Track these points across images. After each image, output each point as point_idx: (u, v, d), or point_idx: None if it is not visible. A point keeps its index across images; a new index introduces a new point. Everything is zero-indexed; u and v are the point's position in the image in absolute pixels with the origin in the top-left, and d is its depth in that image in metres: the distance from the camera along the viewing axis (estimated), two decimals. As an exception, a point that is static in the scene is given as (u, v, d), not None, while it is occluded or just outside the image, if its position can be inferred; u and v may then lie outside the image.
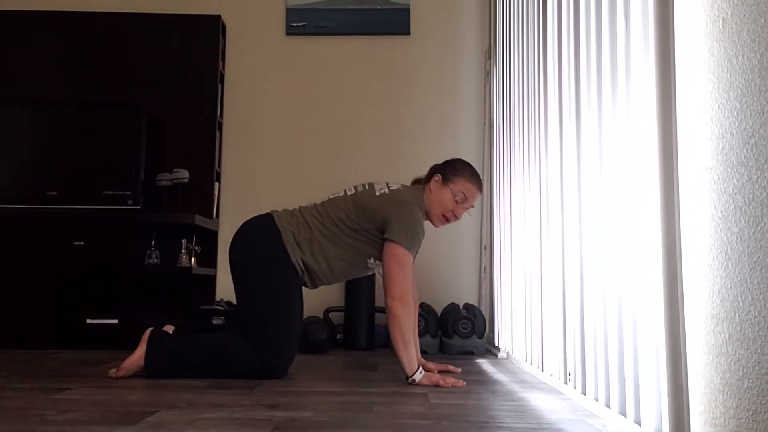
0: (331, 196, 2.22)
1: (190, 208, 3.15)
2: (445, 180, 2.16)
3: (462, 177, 2.17)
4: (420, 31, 3.52)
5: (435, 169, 2.23)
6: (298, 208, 2.22)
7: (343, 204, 2.15)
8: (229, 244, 2.22)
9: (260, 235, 2.14)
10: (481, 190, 2.22)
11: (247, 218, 2.24)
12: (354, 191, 2.19)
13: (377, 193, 2.14)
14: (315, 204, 2.21)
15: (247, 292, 2.15)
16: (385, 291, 2.02)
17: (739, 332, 1.05)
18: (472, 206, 2.23)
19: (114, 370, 2.07)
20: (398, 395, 1.80)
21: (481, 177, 2.27)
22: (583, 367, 1.73)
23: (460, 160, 2.25)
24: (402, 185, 2.21)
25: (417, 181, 2.30)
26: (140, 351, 2.06)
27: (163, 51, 3.36)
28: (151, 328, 2.13)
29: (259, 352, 2.06)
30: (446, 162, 2.25)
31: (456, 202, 2.15)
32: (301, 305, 2.28)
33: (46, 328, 2.93)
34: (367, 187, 2.19)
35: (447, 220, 2.19)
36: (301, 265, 2.12)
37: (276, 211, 2.20)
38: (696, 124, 1.20)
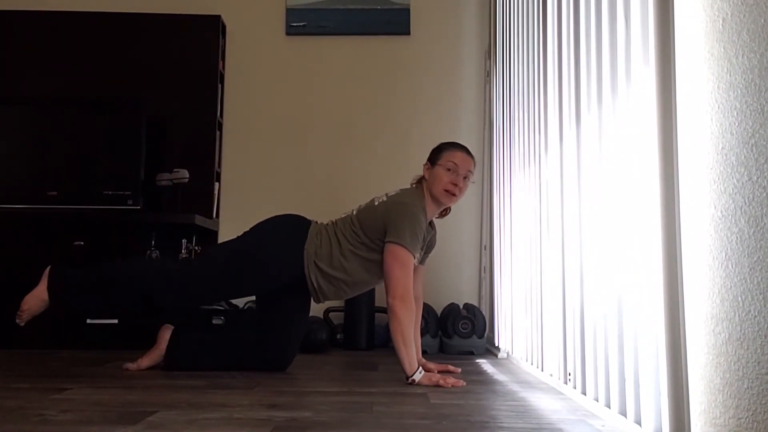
0: (343, 215, 2.27)
1: (190, 208, 3.15)
2: (432, 162, 2.23)
3: (443, 150, 2.22)
4: (420, 31, 3.52)
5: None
6: (325, 224, 2.25)
7: (351, 221, 2.21)
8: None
9: (290, 231, 2.21)
10: (468, 153, 2.23)
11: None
12: (358, 210, 2.25)
13: (376, 203, 2.20)
14: (333, 222, 2.26)
15: (229, 245, 2.23)
16: (387, 290, 2.03)
17: (739, 332, 1.05)
18: (470, 172, 2.21)
19: (18, 318, 2.07)
20: (398, 395, 1.80)
21: (464, 145, 2.28)
22: (583, 367, 1.73)
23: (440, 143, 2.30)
24: (401, 189, 2.24)
25: (419, 180, 2.29)
26: (42, 285, 2.08)
27: (163, 51, 3.36)
28: (50, 265, 2.14)
29: (166, 282, 2.12)
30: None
31: (448, 171, 2.17)
32: (306, 307, 2.30)
33: (46, 328, 2.92)
34: (369, 202, 2.25)
35: (452, 194, 2.18)
36: (316, 279, 2.15)
37: (316, 222, 2.26)
38: (696, 123, 1.20)
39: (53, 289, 2.06)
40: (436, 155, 2.23)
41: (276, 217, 2.27)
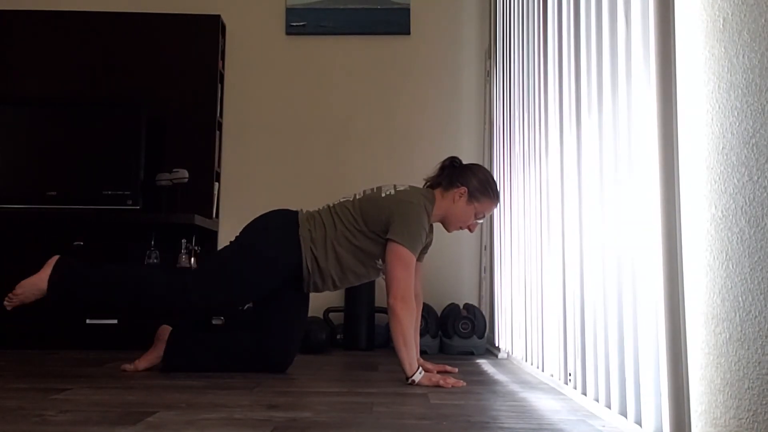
0: (342, 199, 2.25)
1: (190, 208, 3.15)
2: (472, 197, 2.18)
3: (489, 199, 2.20)
4: (420, 31, 3.52)
5: (456, 177, 2.20)
6: (317, 209, 2.25)
7: (352, 207, 2.17)
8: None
9: (280, 222, 2.19)
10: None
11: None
12: (362, 194, 2.22)
13: (383, 195, 2.17)
14: (329, 206, 2.24)
15: (228, 246, 2.19)
16: (388, 290, 2.02)
17: (739, 332, 1.05)
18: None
19: (7, 300, 1.99)
20: (398, 395, 1.80)
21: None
22: (583, 368, 1.73)
23: (483, 170, 2.25)
24: (410, 186, 2.22)
25: (436, 183, 2.25)
26: (43, 273, 2.01)
27: (163, 51, 3.36)
28: (57, 256, 2.07)
29: (181, 293, 2.07)
30: (470, 171, 2.22)
31: (475, 217, 2.22)
32: (305, 307, 2.29)
33: (46, 328, 2.93)
34: (375, 190, 2.22)
35: (461, 229, 2.26)
36: (311, 264, 2.13)
37: (302, 210, 2.25)
38: (696, 123, 1.20)
39: (55, 280, 1.99)
40: (480, 195, 2.18)
41: (264, 214, 2.26)
